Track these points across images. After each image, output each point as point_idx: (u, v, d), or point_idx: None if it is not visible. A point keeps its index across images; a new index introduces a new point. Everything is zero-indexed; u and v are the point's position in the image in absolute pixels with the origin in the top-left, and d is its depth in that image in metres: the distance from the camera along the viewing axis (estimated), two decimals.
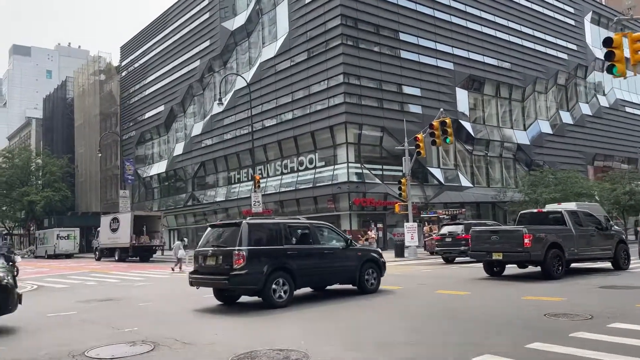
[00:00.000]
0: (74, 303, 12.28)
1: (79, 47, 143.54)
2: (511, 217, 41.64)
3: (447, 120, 20.94)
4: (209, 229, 11.24)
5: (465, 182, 42.45)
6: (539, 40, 49.96)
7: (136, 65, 63.75)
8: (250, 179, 44.52)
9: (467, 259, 22.24)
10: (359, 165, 36.18)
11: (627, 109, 58.97)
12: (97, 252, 39.73)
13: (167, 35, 56.79)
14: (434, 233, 28.55)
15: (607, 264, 16.03)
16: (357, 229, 34.27)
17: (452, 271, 17.61)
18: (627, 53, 12.69)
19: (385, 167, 37.82)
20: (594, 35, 56.97)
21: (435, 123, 21.28)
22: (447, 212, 29.96)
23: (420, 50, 40.34)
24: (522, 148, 47.24)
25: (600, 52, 57.04)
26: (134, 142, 62.52)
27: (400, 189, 27.60)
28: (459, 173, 42.59)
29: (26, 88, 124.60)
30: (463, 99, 42.96)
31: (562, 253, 13.61)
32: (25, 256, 49.28)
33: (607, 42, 12.26)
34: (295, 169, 40.12)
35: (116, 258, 35.22)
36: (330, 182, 36.41)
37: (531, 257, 13.17)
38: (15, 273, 13.72)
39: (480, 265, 18.94)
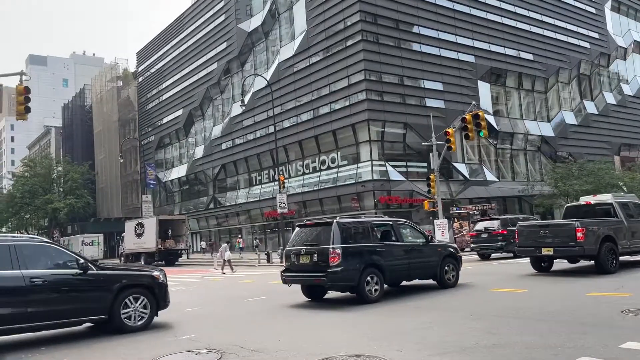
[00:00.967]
0: None
1: (94, 54, 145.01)
2: (537, 210, 40.93)
3: (480, 114, 20.45)
4: (297, 229, 11.73)
5: (490, 176, 41.78)
6: (560, 29, 49.02)
7: (153, 70, 64.02)
8: (271, 180, 44.41)
9: (504, 254, 21.86)
10: (382, 162, 35.76)
11: None
12: (122, 258, 39.89)
13: (183, 39, 56.90)
14: (465, 229, 28.07)
15: None
16: None
17: (494, 268, 17.14)
18: None
19: (409, 163, 37.36)
20: (614, 23, 55.82)
21: (468, 117, 20.80)
22: (476, 208, 29.38)
23: (441, 44, 39.78)
24: (547, 140, 46.38)
25: (622, 40, 55.95)
26: (154, 147, 62.79)
27: (429, 185, 27.19)
28: (483, 167, 41.95)
29: (44, 97, 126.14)
30: (485, 92, 42.29)
31: (615, 246, 13.11)
32: None
33: None
34: (317, 168, 39.83)
35: (142, 263, 35.24)
36: (354, 181, 36.06)
37: (585, 252, 12.68)
38: None
39: (521, 261, 18.61)
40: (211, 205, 53.03)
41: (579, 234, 12.59)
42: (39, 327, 8.14)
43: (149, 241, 35.19)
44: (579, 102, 50.73)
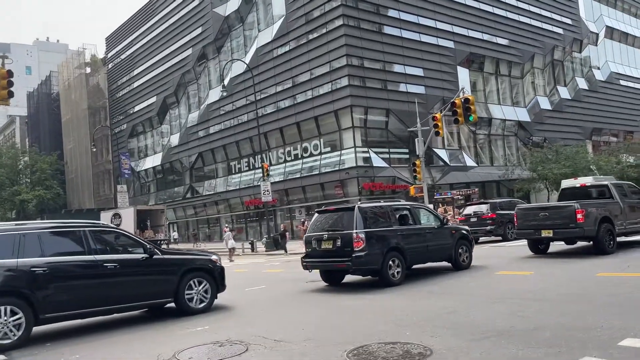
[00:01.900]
0: None
1: (58, 41, 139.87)
2: (517, 195, 41.53)
3: (470, 98, 20.43)
4: (316, 215, 11.72)
5: (470, 162, 42.18)
6: (535, 15, 49.52)
7: (123, 56, 62.13)
8: (251, 168, 43.80)
9: (492, 238, 22.05)
10: (365, 149, 35.61)
11: (622, 82, 59.05)
12: None
13: (155, 23, 55.26)
14: (449, 214, 28.24)
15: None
16: None
17: (488, 251, 17.18)
18: None
19: (391, 150, 37.32)
20: (587, 9, 56.75)
21: (457, 101, 20.74)
22: (460, 193, 29.60)
23: (421, 29, 39.67)
24: (523, 125, 47.06)
25: (594, 26, 56.99)
26: (126, 135, 61.14)
27: (415, 171, 27.19)
28: (463, 153, 42.29)
29: None
30: (464, 77, 42.44)
31: (612, 227, 13.24)
32: None
33: None
34: (299, 156, 39.40)
35: None
36: (337, 168, 35.82)
37: (585, 233, 12.76)
38: None
39: (512, 244, 18.82)
40: (188, 195, 52.08)
41: (579, 216, 12.65)
42: (110, 310, 8.42)
43: None
44: (552, 87, 51.57)
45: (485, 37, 44.55)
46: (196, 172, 51.79)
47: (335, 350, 6.00)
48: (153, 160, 57.56)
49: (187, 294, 9.03)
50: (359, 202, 11.36)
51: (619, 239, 14.82)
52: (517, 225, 14.13)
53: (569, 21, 53.61)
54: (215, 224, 50.13)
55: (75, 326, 8.82)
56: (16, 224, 8.07)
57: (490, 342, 5.89)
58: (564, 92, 52.11)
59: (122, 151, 53.78)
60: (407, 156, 37.84)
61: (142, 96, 57.86)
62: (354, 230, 10.38)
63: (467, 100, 20.38)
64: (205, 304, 9.28)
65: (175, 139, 53.27)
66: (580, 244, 15.01)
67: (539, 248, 14.54)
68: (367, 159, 35.44)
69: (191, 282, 9.12)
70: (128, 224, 34.48)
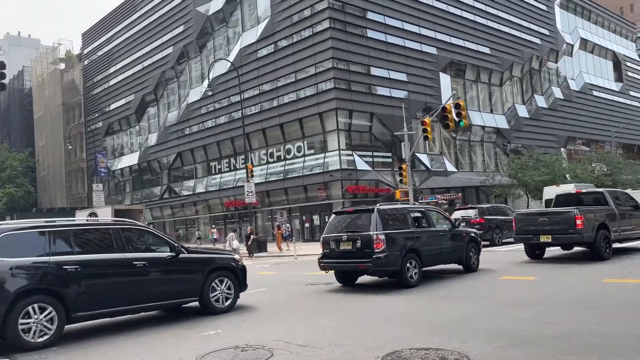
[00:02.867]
0: None
1: (29, 35, 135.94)
2: (496, 200, 42.13)
3: (461, 103, 20.56)
4: (333, 216, 11.75)
5: (450, 167, 42.63)
6: (514, 24, 50.55)
7: (100, 53, 60.78)
8: (232, 168, 43.30)
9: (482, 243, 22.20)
10: (350, 152, 35.59)
11: (594, 92, 60.73)
12: None
13: (136, 20, 54.23)
14: None
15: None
16: None
17: (483, 256, 17.10)
18: None
19: (375, 153, 37.40)
20: (563, 20, 58.23)
21: (448, 106, 20.86)
22: (444, 197, 29.82)
23: (405, 35, 39.96)
24: (502, 132, 47.85)
25: (569, 37, 58.48)
26: (101, 133, 59.71)
27: (401, 174, 27.23)
28: (444, 158, 42.70)
29: None
30: (446, 84, 42.96)
31: (609, 233, 13.45)
32: None
33: None
34: (282, 157, 39.12)
35: None
36: (321, 170, 35.68)
37: (584, 239, 12.91)
38: None
39: (502, 249, 19.01)
40: (165, 195, 51.16)
41: (578, 222, 12.78)
42: (138, 309, 8.30)
43: None
44: (530, 95, 52.65)
45: (468, 44, 45.19)
46: (174, 172, 50.92)
47: (365, 356, 5.83)
48: (129, 159, 56.36)
49: (212, 294, 8.99)
50: (379, 204, 11.31)
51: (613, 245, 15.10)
52: (515, 229, 14.21)
53: (546, 32, 54.89)
54: (192, 225, 49.34)
55: (86, 327, 8.39)
56: (46, 221, 7.85)
57: (523, 348, 5.81)
58: (541, 101, 53.27)
59: (98, 149, 52.50)
60: (390, 160, 38.00)
61: (120, 94, 56.65)
62: (375, 232, 10.38)
63: (457, 105, 20.51)
64: (229, 302, 9.22)
65: (153, 138, 52.29)
66: (575, 249, 15.20)
67: (536, 253, 14.67)
68: (351, 162, 35.43)
69: (216, 281, 9.09)
70: None
